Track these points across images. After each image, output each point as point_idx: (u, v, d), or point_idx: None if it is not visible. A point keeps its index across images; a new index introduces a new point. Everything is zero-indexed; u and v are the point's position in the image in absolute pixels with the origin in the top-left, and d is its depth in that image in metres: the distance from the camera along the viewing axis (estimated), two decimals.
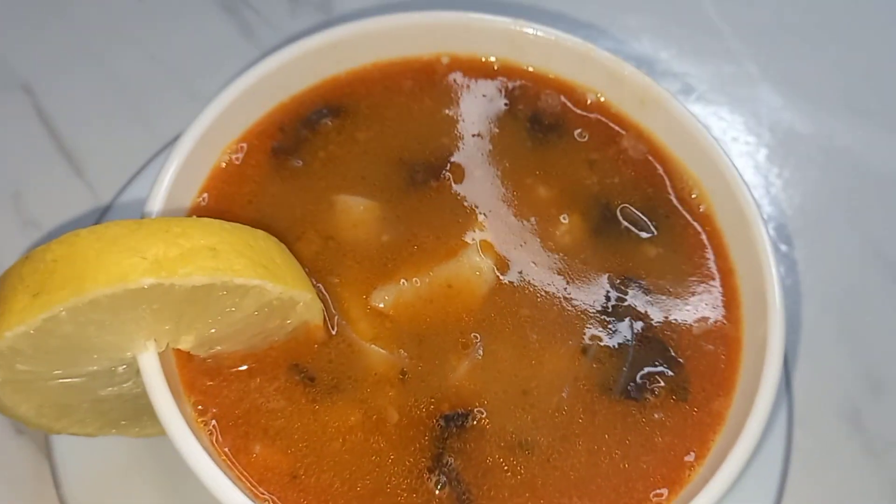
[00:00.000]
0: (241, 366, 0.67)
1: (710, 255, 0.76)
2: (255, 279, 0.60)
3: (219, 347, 0.66)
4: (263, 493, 0.63)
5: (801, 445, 0.90)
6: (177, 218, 0.61)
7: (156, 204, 0.69)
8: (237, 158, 0.77)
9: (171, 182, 0.70)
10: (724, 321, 0.73)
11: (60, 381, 0.62)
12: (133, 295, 0.56)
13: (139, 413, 0.71)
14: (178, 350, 0.66)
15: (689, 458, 0.67)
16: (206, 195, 0.74)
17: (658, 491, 0.66)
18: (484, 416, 0.67)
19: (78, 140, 1.04)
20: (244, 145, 0.77)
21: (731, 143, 1.10)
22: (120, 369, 0.64)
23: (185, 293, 0.58)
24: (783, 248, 1.02)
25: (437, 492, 0.64)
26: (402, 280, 0.72)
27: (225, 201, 0.74)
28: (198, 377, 0.66)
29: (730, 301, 0.74)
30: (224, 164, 0.76)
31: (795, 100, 1.15)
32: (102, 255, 0.56)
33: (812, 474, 0.89)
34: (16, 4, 1.14)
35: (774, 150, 1.11)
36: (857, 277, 1.03)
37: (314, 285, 0.70)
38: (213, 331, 0.63)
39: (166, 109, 1.06)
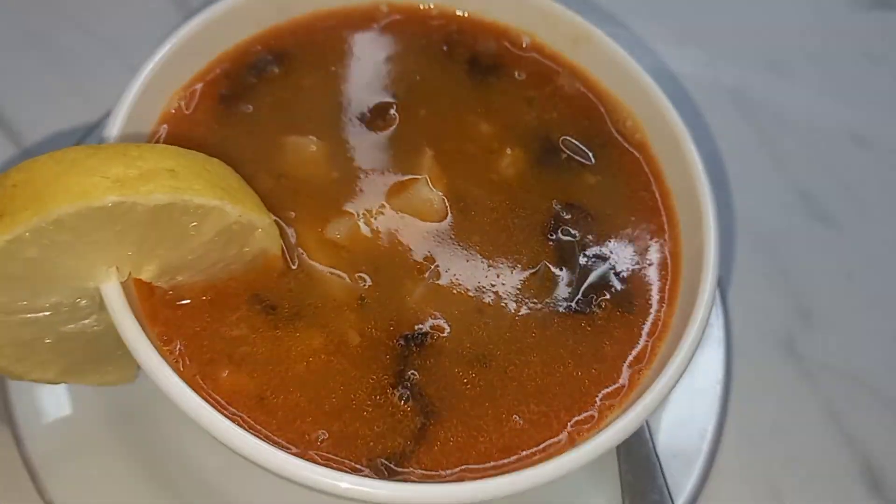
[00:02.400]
0: (202, 297, 0.68)
1: (647, 178, 0.80)
2: (214, 200, 0.61)
3: (180, 278, 0.67)
4: (233, 414, 0.64)
5: (741, 373, 0.94)
6: (133, 143, 0.62)
7: (110, 138, 0.69)
8: (186, 105, 0.78)
9: (121, 126, 0.71)
10: (664, 238, 0.77)
11: (22, 315, 0.63)
12: (97, 213, 0.57)
13: (100, 356, 0.72)
14: (140, 282, 0.66)
15: (638, 363, 0.71)
16: (157, 138, 0.75)
17: (609, 392, 0.69)
18: (443, 334, 0.70)
19: (17, 114, 1.03)
20: (192, 91, 0.79)
21: None
22: (82, 303, 0.64)
23: (146, 214, 0.59)
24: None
25: (401, 405, 0.66)
26: (356, 213, 0.74)
27: (176, 144, 0.75)
28: (160, 309, 0.67)
29: (668, 220, 0.78)
30: (173, 110, 0.77)
31: (717, 57, 1.21)
32: (63, 177, 0.57)
33: (752, 398, 0.93)
34: None
35: (698, 103, 1.16)
36: (784, 217, 1.08)
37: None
38: (173, 258, 0.64)
39: (103, 81, 1.06)
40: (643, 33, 1.20)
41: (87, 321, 0.67)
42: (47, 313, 0.64)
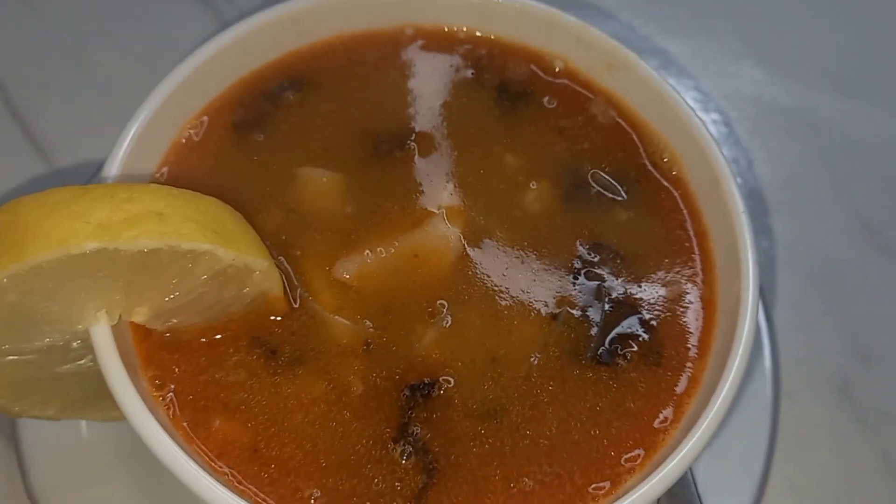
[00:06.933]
0: (199, 339, 0.65)
1: (683, 217, 0.74)
2: (204, 244, 0.58)
3: (175, 320, 0.64)
4: (222, 467, 0.61)
5: (791, 418, 0.88)
6: (124, 184, 0.60)
7: (110, 177, 0.67)
8: (197, 133, 0.75)
9: (126, 155, 0.68)
10: (698, 283, 0.71)
11: (13, 357, 0.61)
12: (77, 261, 0.55)
13: (100, 394, 0.69)
14: (135, 324, 0.64)
15: (664, 422, 0.65)
16: (165, 170, 0.73)
17: (631, 455, 0.64)
18: (451, 385, 0.66)
19: (49, 133, 1.03)
20: (204, 119, 0.76)
21: (712, 117, 1.09)
22: (74, 344, 0.62)
23: (132, 259, 0.56)
24: (766, 220, 1.01)
25: (402, 461, 0.62)
26: (367, 251, 0.70)
27: (185, 176, 0.73)
28: (155, 351, 0.65)
29: (704, 263, 0.72)
30: (184, 140, 0.75)
31: (777, 75, 1.14)
32: (43, 221, 0.55)
33: (802, 446, 0.87)
34: None
35: (757, 123, 1.09)
36: (844, 248, 1.01)
37: (275, 258, 0.68)
38: (166, 301, 0.61)
39: (139, 101, 1.04)
40: (698, 50, 1.13)
41: (82, 361, 0.65)
42: (39, 355, 0.62)
